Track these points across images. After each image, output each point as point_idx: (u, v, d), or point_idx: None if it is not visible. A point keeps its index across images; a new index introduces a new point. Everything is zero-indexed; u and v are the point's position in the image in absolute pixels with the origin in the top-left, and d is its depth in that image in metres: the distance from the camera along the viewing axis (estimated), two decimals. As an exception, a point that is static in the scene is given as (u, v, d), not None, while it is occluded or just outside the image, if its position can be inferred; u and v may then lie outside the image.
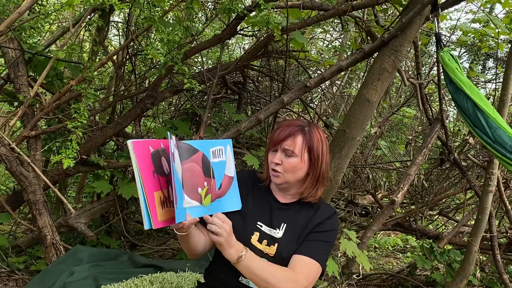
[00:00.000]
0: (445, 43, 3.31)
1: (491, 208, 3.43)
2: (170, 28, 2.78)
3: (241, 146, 3.97)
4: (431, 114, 3.69)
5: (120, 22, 5.01)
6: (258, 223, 1.76)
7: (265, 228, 1.74)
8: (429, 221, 5.39)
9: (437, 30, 2.79)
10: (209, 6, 4.42)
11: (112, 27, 4.96)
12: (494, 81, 4.95)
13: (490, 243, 3.64)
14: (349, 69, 5.03)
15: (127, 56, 3.91)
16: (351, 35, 6.06)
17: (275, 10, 3.27)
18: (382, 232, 6.06)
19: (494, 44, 4.43)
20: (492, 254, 3.63)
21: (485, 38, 4.49)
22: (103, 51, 3.87)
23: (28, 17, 3.16)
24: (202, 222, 1.65)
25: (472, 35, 4.50)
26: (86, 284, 2.33)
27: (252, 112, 4.69)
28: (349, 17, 3.42)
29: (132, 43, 3.83)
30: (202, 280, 1.94)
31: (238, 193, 1.77)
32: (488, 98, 4.29)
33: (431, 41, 5.56)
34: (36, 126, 3.06)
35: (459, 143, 4.16)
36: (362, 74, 5.43)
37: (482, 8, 4.38)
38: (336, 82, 6.39)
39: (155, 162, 1.53)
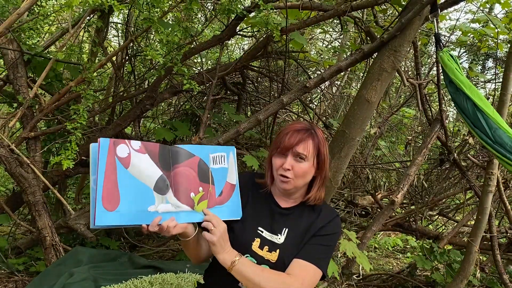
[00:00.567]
0: (444, 43, 3.31)
1: (491, 208, 3.43)
2: (170, 29, 2.78)
3: (240, 147, 3.97)
4: (430, 114, 3.69)
5: (120, 23, 5.02)
6: (259, 228, 1.74)
7: (266, 234, 1.73)
8: (429, 221, 5.39)
9: (436, 30, 2.79)
10: (209, 7, 4.42)
11: (112, 28, 4.96)
12: (494, 81, 4.95)
13: (490, 243, 3.64)
14: (349, 69, 5.03)
15: (127, 57, 3.92)
16: (350, 36, 6.06)
17: (275, 10, 3.27)
18: (382, 232, 6.06)
19: (493, 44, 4.43)
20: (492, 254, 3.63)
21: (484, 38, 4.49)
22: (102, 52, 3.88)
23: (27, 18, 3.16)
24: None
25: (471, 35, 4.50)
26: (86, 285, 2.33)
27: (252, 113, 4.69)
28: (348, 17, 3.42)
29: (131, 44, 3.83)
30: (202, 281, 1.94)
31: (240, 201, 1.75)
32: (488, 98, 4.29)
33: (430, 41, 5.56)
34: (35, 127, 3.06)
35: (458, 143, 4.16)
36: (362, 75, 5.43)
37: (481, 8, 4.38)
38: (336, 82, 6.40)
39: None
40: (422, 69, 4.13)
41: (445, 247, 4.00)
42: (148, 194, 1.53)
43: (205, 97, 4.27)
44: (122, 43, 4.02)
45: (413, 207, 4.76)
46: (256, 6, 2.82)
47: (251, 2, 3.20)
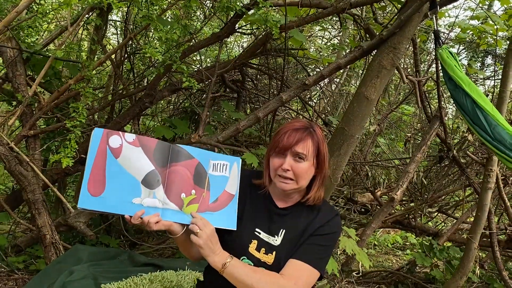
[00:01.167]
0: (443, 40, 3.31)
1: (490, 205, 3.44)
2: (169, 27, 2.78)
3: (240, 144, 3.97)
4: (430, 111, 3.69)
5: (118, 21, 5.01)
6: (257, 230, 1.72)
7: (263, 236, 1.71)
8: (428, 218, 5.40)
9: (435, 27, 2.79)
10: (207, 4, 4.41)
11: (110, 26, 4.96)
12: (493, 78, 4.95)
13: (489, 240, 3.65)
14: (348, 67, 5.03)
15: (126, 55, 3.91)
16: (349, 33, 6.06)
17: (274, 8, 3.27)
18: (381, 229, 6.07)
19: (492, 41, 4.43)
20: (492, 251, 3.64)
21: (483, 35, 4.49)
22: (101, 50, 3.87)
23: (26, 16, 3.16)
24: None
25: (470, 32, 4.50)
26: (86, 283, 2.32)
27: (251, 110, 4.69)
28: (347, 14, 3.42)
29: (130, 42, 3.83)
30: (202, 279, 1.94)
31: (236, 212, 1.72)
32: (487, 95, 4.29)
33: (429, 38, 5.57)
34: (34, 125, 3.06)
35: (458, 140, 4.16)
36: (361, 72, 5.43)
37: (480, 5, 4.37)
38: (335, 80, 6.40)
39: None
40: (421, 66, 4.14)
41: (445, 244, 4.01)
42: (135, 186, 1.55)
43: (205, 95, 4.27)
44: (121, 41, 4.02)
45: (412, 204, 4.77)
46: (255, 4, 2.82)
47: (249, 0, 3.20)
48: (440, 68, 2.80)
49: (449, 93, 2.72)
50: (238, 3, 2.88)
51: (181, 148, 1.65)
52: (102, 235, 3.78)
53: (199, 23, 4.85)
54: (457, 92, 2.50)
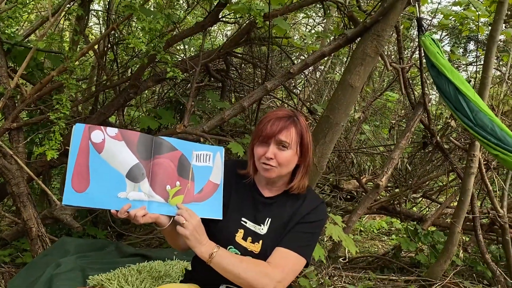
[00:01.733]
0: (426, 27, 3.33)
1: (473, 189, 3.49)
2: (152, 16, 2.75)
3: (225, 133, 3.97)
4: (413, 98, 3.72)
5: (100, 11, 4.95)
6: (243, 219, 1.73)
7: (249, 225, 1.72)
8: (413, 203, 5.47)
9: (418, 14, 2.81)
10: (190, -7, 4.38)
11: (92, 16, 4.89)
12: (475, 64, 5.00)
13: (472, 224, 3.71)
14: (332, 54, 5.04)
15: (109, 45, 3.87)
16: (333, 21, 6.06)
17: (257, -4, 3.25)
18: (367, 215, 6.13)
19: (474, 27, 4.47)
20: (475, 235, 3.70)
21: (466, 21, 4.52)
22: (83, 40, 3.83)
23: (5, 6, 3.10)
24: None
25: (453, 18, 4.52)
26: (73, 275, 2.32)
27: (236, 100, 4.68)
28: (331, 2, 3.42)
29: (113, 32, 3.78)
30: (190, 268, 1.95)
31: (221, 202, 1.72)
32: (469, 81, 4.34)
33: (413, 25, 5.59)
34: (17, 118, 3.02)
35: (441, 126, 4.21)
36: (345, 60, 5.44)
37: (462, -10, 4.39)
38: (319, 67, 6.40)
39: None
40: (405, 53, 4.15)
41: (429, 229, 4.07)
42: (119, 180, 1.55)
43: (189, 85, 4.25)
44: (103, 31, 3.97)
45: (397, 190, 4.82)
46: (239, -8, 2.81)
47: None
48: (423, 55, 2.83)
49: (432, 80, 2.75)
50: (221, -8, 2.86)
51: (164, 140, 1.64)
52: (89, 226, 3.77)
53: (182, 12, 4.81)
54: (440, 79, 2.53)
